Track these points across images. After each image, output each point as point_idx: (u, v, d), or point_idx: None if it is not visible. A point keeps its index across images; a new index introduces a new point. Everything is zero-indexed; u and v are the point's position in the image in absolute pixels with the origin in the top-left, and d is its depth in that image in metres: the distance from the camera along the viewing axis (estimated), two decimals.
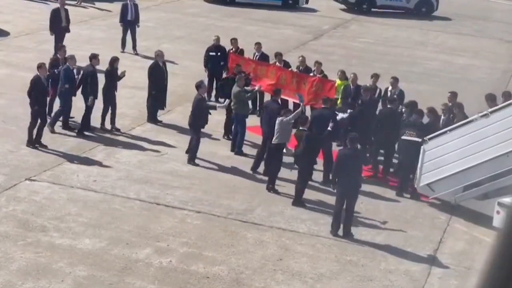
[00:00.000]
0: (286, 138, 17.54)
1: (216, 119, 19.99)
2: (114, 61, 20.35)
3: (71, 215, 15.36)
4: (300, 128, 17.14)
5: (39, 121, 18.44)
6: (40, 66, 18.74)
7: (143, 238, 14.73)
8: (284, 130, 17.41)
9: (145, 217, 15.63)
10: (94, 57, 20.06)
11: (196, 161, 18.66)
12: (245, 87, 19.98)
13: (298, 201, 16.88)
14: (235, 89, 19.65)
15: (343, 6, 42.18)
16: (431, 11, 42.32)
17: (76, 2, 34.64)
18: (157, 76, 20.87)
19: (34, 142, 18.44)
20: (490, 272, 2.86)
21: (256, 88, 20.53)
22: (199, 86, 18.95)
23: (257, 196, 17.24)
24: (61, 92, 19.54)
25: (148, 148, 19.26)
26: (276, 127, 17.48)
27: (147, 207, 16.11)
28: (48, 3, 35.25)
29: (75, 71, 19.71)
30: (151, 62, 21.81)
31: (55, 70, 19.69)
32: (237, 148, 19.56)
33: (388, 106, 19.28)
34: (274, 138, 17.55)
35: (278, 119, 17.47)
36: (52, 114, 19.71)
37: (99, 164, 18.04)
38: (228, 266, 14.01)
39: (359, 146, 17.40)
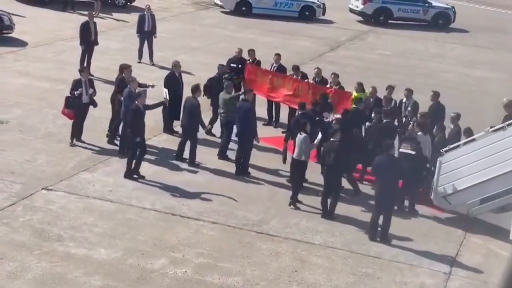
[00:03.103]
0: (306, 156, 17.46)
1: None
2: (123, 68, 20.39)
3: (87, 225, 15.39)
4: (331, 139, 17.12)
5: (138, 151, 17.95)
6: (140, 94, 18.21)
7: (158, 248, 14.74)
8: (301, 146, 17.33)
9: (160, 228, 15.65)
10: (126, 68, 20.09)
11: (211, 171, 18.75)
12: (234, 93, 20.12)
13: (330, 214, 16.94)
14: (225, 96, 19.77)
15: (360, 18, 42.23)
16: (448, 23, 42.31)
17: (93, 13, 34.77)
18: (173, 87, 20.91)
19: (133, 172, 17.93)
20: (507, 285, 2.85)
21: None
22: (195, 90, 19.21)
23: (272, 207, 17.22)
24: (125, 114, 18.98)
25: (164, 159, 19.29)
26: (297, 142, 17.46)
27: (162, 218, 16.13)
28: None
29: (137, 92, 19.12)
30: (167, 72, 21.87)
31: (75, 93, 19.21)
32: (220, 151, 19.70)
33: (384, 120, 19.06)
34: (294, 154, 17.52)
35: (300, 136, 17.37)
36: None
37: (115, 174, 18.07)
38: (243, 277, 13.98)
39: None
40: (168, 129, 21.21)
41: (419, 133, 18.24)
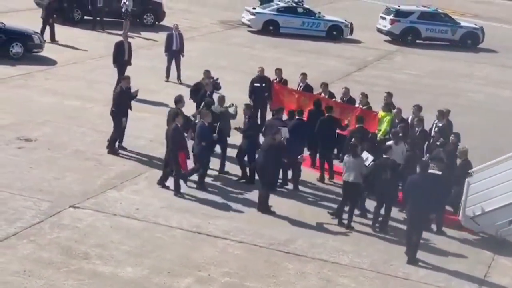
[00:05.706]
0: (358, 177, 17.41)
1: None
2: (121, 79, 20.77)
3: (113, 243, 15.44)
4: (384, 156, 17.21)
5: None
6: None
7: (184, 267, 14.74)
8: (356, 169, 17.33)
9: (186, 246, 15.66)
10: (123, 79, 20.74)
11: (237, 190, 18.77)
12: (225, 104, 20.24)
13: (384, 228, 17.24)
14: (218, 109, 19.83)
15: (387, 38, 42.14)
16: (477, 43, 42.11)
17: (122, 32, 35.01)
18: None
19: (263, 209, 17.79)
20: None
21: (234, 105, 20.74)
22: (179, 101, 19.37)
23: (299, 227, 17.17)
24: (197, 148, 18.73)
25: (191, 178, 19.26)
26: (351, 165, 17.35)
27: (189, 236, 16.14)
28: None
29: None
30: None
31: (187, 136, 18.60)
32: (220, 167, 19.76)
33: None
34: (346, 175, 17.45)
35: (356, 160, 17.33)
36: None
37: (142, 192, 18.13)
38: None
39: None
40: None
41: (391, 142, 18.51)
